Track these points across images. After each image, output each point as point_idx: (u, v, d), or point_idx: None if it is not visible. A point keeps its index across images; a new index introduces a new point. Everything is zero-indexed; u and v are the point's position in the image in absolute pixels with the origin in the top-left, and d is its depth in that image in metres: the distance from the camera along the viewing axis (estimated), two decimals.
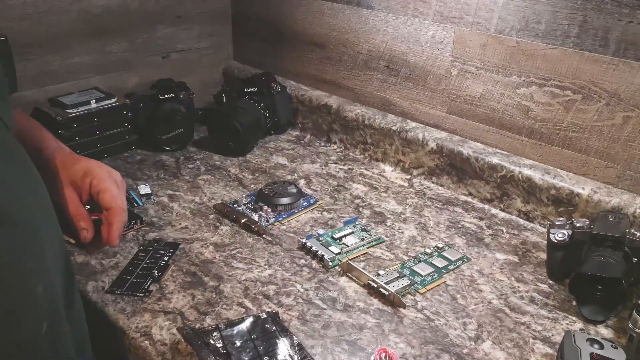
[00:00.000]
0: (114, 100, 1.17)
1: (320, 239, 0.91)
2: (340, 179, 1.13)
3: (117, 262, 0.85)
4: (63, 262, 0.61)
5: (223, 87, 1.30)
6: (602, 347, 0.64)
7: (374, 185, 1.10)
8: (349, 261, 0.84)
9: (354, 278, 0.83)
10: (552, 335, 0.73)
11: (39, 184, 0.57)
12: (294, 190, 1.02)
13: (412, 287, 0.81)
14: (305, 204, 1.02)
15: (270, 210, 0.98)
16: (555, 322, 0.75)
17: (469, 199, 1.06)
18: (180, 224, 0.95)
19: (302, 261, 0.87)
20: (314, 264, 0.86)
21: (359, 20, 1.19)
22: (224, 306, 0.76)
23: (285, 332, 0.68)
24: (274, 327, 0.68)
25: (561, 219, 0.84)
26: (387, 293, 0.77)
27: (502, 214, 1.01)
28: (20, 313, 0.52)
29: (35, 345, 0.54)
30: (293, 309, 0.76)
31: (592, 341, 0.64)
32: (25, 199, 0.54)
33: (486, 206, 1.04)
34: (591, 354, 0.63)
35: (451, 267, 0.86)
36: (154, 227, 0.94)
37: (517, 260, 0.88)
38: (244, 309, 0.76)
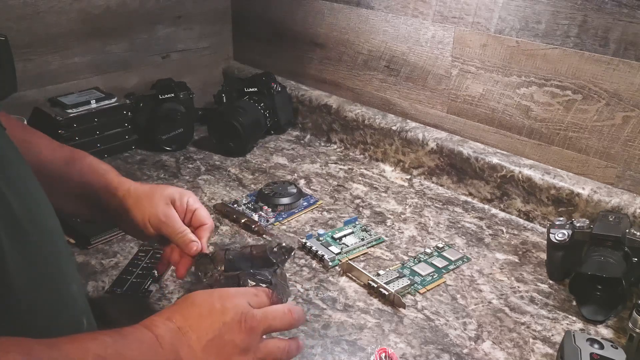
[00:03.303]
0: (114, 100, 1.17)
1: (320, 239, 0.91)
2: (340, 179, 1.13)
3: (117, 262, 0.85)
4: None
5: (223, 87, 1.30)
6: (602, 347, 0.64)
7: (374, 185, 1.10)
8: (349, 261, 0.84)
9: (354, 278, 0.83)
10: (552, 335, 0.73)
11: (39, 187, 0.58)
12: (294, 190, 1.01)
13: (412, 287, 0.81)
14: (305, 204, 1.02)
15: (270, 210, 0.98)
16: (555, 322, 0.75)
17: (469, 199, 1.06)
18: None
19: (302, 261, 0.87)
20: (314, 264, 0.86)
21: (359, 20, 1.19)
22: None
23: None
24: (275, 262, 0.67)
25: (561, 219, 0.84)
26: (387, 293, 0.77)
27: (502, 214, 1.01)
28: (63, 311, 0.53)
29: None
30: None
31: (592, 341, 0.64)
32: (45, 201, 0.54)
33: (486, 206, 1.03)
34: (591, 354, 0.63)
35: (451, 267, 0.86)
36: None
37: (517, 260, 0.88)
38: None
